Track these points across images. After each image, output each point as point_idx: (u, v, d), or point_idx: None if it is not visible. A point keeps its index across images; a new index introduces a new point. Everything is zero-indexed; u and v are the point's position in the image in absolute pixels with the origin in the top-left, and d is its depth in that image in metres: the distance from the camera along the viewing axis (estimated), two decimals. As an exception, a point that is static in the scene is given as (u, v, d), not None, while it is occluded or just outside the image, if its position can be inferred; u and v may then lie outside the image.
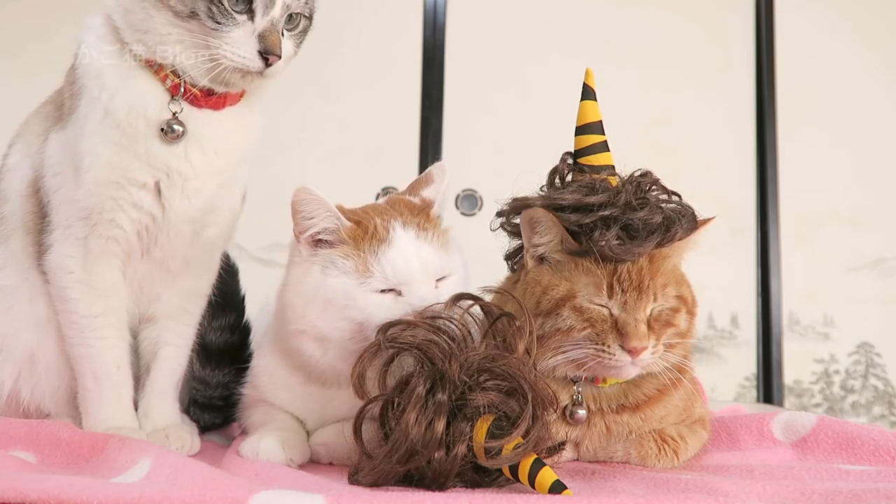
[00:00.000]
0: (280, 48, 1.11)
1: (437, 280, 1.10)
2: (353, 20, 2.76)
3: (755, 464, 1.08)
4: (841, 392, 2.72)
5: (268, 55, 1.10)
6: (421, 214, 1.14)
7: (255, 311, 1.47)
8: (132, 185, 1.12)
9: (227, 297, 1.37)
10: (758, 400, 2.69)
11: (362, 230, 1.08)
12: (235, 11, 1.08)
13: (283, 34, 1.13)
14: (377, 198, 2.68)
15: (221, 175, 1.18)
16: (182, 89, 1.12)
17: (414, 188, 1.22)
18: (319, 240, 1.10)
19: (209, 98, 1.14)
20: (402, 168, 2.71)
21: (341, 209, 1.10)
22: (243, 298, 1.43)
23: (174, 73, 1.12)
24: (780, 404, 2.64)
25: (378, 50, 2.77)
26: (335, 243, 1.09)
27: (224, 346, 1.37)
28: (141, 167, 1.12)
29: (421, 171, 2.70)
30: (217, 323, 1.35)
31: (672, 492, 0.87)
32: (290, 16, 1.14)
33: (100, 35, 1.15)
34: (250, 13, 1.09)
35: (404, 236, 1.08)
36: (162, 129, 1.11)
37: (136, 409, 1.22)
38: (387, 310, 1.05)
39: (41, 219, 1.17)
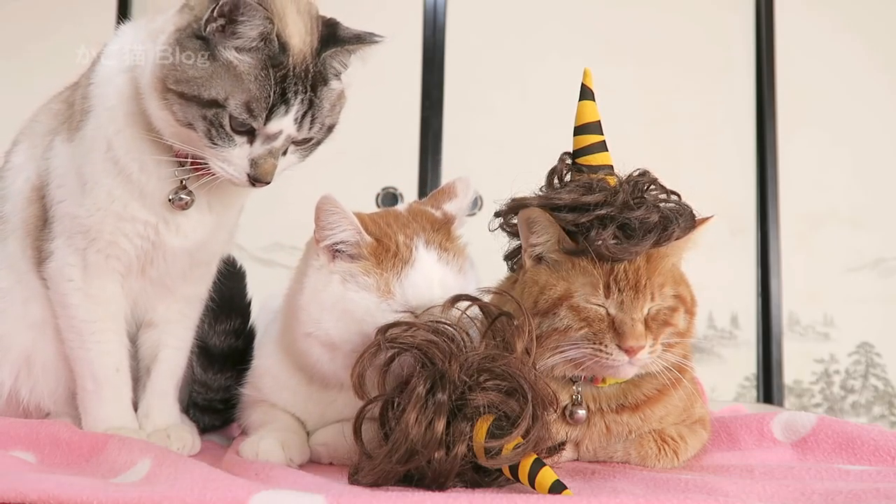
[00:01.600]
0: (272, 176, 1.05)
1: None
2: (352, 20, 2.76)
3: (755, 464, 1.08)
4: (841, 392, 2.72)
5: (256, 181, 1.05)
6: (442, 231, 1.12)
7: (255, 311, 1.47)
8: (133, 221, 1.12)
9: (232, 302, 1.36)
10: (758, 400, 2.69)
11: (383, 248, 1.07)
12: (237, 133, 1.02)
13: (285, 153, 1.07)
14: (377, 198, 2.68)
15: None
16: (189, 159, 1.09)
17: (436, 199, 1.20)
18: (338, 250, 1.09)
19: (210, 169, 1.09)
20: (402, 168, 2.71)
21: (361, 219, 1.09)
22: (249, 303, 1.41)
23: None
24: (780, 404, 2.64)
25: (378, 49, 2.76)
26: (356, 257, 1.08)
27: (228, 350, 1.35)
28: (138, 207, 1.11)
29: (421, 172, 2.72)
30: (221, 327, 1.34)
31: (672, 492, 0.87)
32: (303, 139, 1.07)
33: (123, 67, 1.11)
34: (251, 136, 1.03)
35: (426, 258, 1.07)
36: (170, 199, 1.11)
37: (136, 410, 1.21)
38: None
39: (43, 224, 1.17)
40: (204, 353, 1.32)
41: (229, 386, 1.33)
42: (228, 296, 1.34)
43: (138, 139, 1.09)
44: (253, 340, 1.40)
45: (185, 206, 1.12)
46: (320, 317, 1.08)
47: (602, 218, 0.99)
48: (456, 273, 1.09)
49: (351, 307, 1.06)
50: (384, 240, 1.08)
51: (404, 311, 1.04)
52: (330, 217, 1.06)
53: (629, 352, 0.98)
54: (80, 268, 1.14)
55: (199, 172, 1.09)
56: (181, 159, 1.10)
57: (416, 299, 1.05)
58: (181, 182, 1.11)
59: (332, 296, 1.07)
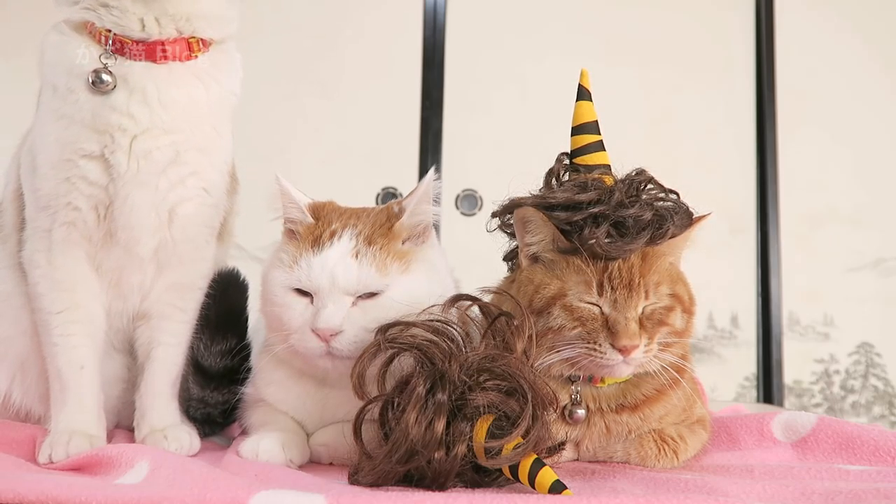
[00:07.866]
0: None
1: (361, 297, 1.06)
2: (352, 21, 2.76)
3: (755, 464, 1.07)
4: (841, 392, 2.72)
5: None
6: (382, 227, 1.11)
7: (257, 310, 1.45)
8: (81, 158, 1.08)
9: (230, 319, 1.28)
10: (758, 400, 2.69)
11: (314, 230, 1.10)
12: None
13: None
14: (377, 198, 2.68)
15: (174, 134, 1.11)
16: (111, 40, 1.07)
17: (406, 196, 1.18)
18: (291, 230, 1.13)
19: (142, 45, 1.08)
20: (401, 168, 2.72)
21: (316, 205, 1.14)
22: (246, 319, 1.34)
23: (107, 29, 1.08)
24: (780, 404, 2.64)
25: (378, 49, 2.77)
26: (296, 236, 1.12)
27: (223, 370, 1.30)
28: (87, 135, 1.08)
29: (421, 171, 2.72)
30: (217, 348, 1.27)
31: (672, 492, 0.87)
32: None
33: (53, 26, 1.14)
34: None
35: (340, 247, 1.07)
36: (92, 82, 1.06)
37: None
38: (296, 312, 1.07)
39: (23, 221, 1.17)
40: (200, 371, 1.28)
41: (227, 400, 1.30)
42: (227, 310, 1.28)
43: (65, 45, 1.11)
44: (248, 358, 1.34)
45: (107, 88, 1.07)
46: (263, 295, 1.13)
47: (596, 216, 0.99)
48: (364, 265, 1.07)
49: (267, 285, 1.11)
50: (319, 223, 1.11)
51: (303, 292, 1.07)
52: (280, 196, 1.14)
53: (623, 351, 0.97)
54: (45, 252, 1.13)
55: (117, 47, 1.08)
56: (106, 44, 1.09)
57: (308, 278, 1.06)
58: (104, 65, 1.07)
59: (264, 274, 1.14)
